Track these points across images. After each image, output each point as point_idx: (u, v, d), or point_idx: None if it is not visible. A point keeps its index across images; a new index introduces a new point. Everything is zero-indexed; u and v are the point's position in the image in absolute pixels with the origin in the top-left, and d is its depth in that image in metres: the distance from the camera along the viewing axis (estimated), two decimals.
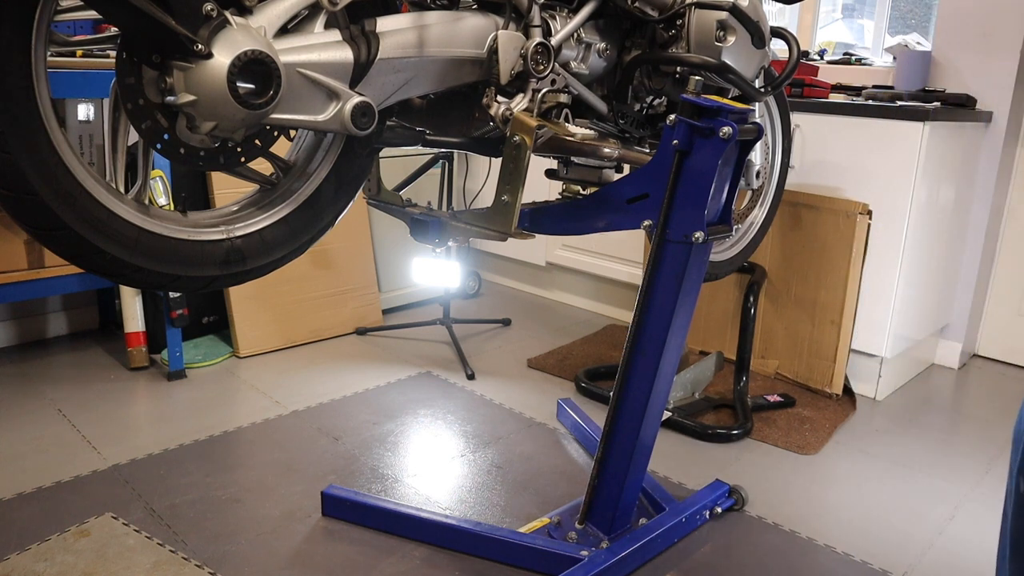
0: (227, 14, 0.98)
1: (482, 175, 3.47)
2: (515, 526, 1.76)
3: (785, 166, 2.13)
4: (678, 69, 1.52)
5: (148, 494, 1.86)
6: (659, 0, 1.49)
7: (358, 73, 1.12)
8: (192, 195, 2.64)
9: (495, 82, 1.31)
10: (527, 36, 1.32)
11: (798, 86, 2.68)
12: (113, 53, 0.99)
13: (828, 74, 3.15)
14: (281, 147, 1.18)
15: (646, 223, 1.46)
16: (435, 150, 2.51)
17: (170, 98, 0.97)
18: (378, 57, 1.14)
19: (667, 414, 2.30)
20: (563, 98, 1.40)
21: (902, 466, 2.18)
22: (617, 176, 1.63)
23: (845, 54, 3.31)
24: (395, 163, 2.96)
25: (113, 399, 2.36)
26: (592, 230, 1.57)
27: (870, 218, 2.46)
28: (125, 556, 1.62)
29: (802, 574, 1.69)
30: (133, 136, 1.04)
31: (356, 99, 1.10)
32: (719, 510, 1.87)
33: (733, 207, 1.51)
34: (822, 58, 3.29)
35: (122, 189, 1.05)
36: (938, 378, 2.90)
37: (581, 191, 1.68)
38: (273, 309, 2.79)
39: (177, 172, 2.51)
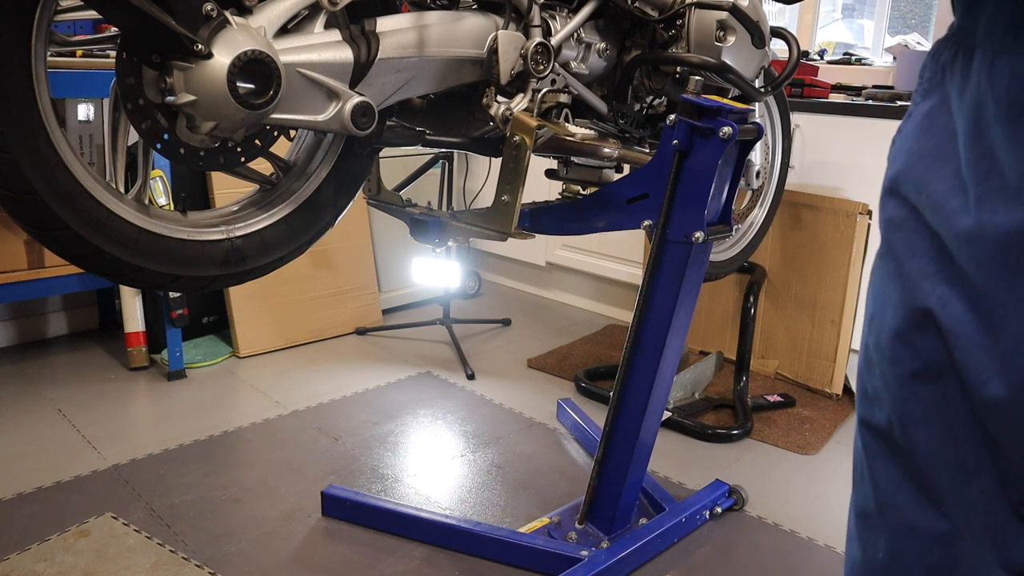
0: (227, 14, 0.98)
1: (482, 175, 3.47)
2: (515, 526, 1.76)
3: (785, 166, 2.13)
4: (678, 69, 1.52)
5: (148, 494, 1.86)
6: (659, 0, 1.49)
7: (358, 73, 1.12)
8: (192, 195, 2.64)
9: (495, 82, 1.31)
10: (527, 36, 1.32)
11: (798, 86, 2.68)
12: (113, 53, 0.99)
13: (828, 74, 3.15)
14: (281, 147, 1.18)
15: (646, 223, 1.46)
16: (435, 150, 2.51)
17: (170, 98, 0.97)
18: (378, 57, 1.14)
19: (667, 414, 2.30)
20: (563, 98, 1.40)
21: None
22: (617, 176, 1.63)
23: (845, 54, 3.31)
24: (395, 163, 2.96)
25: (113, 399, 2.36)
26: (592, 230, 1.57)
27: (870, 218, 2.46)
28: (125, 556, 1.62)
29: (802, 574, 1.69)
30: (133, 136, 1.04)
31: (356, 99, 1.10)
32: (719, 510, 1.87)
33: (733, 207, 1.51)
34: (822, 58, 3.29)
35: (122, 189, 1.05)
36: None
37: (581, 191, 1.68)
38: (273, 309, 2.79)
39: (177, 172, 2.51)
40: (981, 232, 0.59)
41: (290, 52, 1.04)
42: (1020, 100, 0.56)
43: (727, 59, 1.50)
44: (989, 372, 0.60)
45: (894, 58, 3.04)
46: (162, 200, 2.35)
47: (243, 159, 1.11)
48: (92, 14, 1.01)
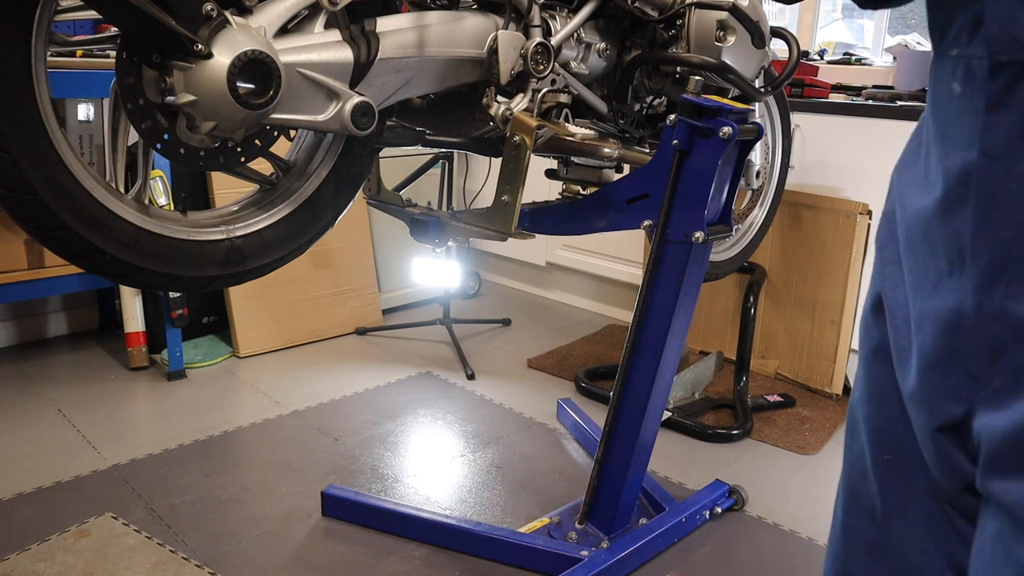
0: (227, 14, 0.98)
1: (482, 175, 3.47)
2: (515, 526, 1.76)
3: (785, 166, 2.13)
4: (678, 69, 1.52)
5: (148, 494, 1.86)
6: (659, 0, 1.49)
7: (358, 73, 1.12)
8: (192, 195, 2.64)
9: (495, 82, 1.31)
10: (527, 36, 1.32)
11: (798, 86, 2.68)
12: (113, 53, 0.99)
13: (828, 74, 3.14)
14: (281, 147, 1.18)
15: (646, 223, 1.46)
16: (435, 150, 2.51)
17: (170, 98, 0.97)
18: (378, 57, 1.14)
19: (667, 414, 2.30)
20: (563, 98, 1.40)
21: None
22: (617, 176, 1.63)
23: (845, 54, 3.31)
24: (395, 163, 2.96)
25: (113, 399, 2.36)
26: (592, 230, 1.57)
27: (870, 218, 2.46)
28: (125, 556, 1.62)
29: (802, 574, 1.69)
30: (133, 136, 1.04)
31: (356, 99, 1.10)
32: (719, 510, 1.87)
33: (733, 207, 1.51)
34: (822, 58, 3.29)
35: (122, 189, 1.05)
36: None
37: (581, 191, 1.68)
38: (273, 309, 2.79)
39: (177, 172, 2.51)
40: (905, 212, 0.64)
41: (290, 52, 1.04)
42: (939, 96, 0.60)
43: (727, 59, 1.50)
44: (907, 354, 0.63)
45: (894, 58, 3.04)
46: (162, 200, 2.35)
47: (243, 159, 1.11)
48: (92, 14, 1.01)
